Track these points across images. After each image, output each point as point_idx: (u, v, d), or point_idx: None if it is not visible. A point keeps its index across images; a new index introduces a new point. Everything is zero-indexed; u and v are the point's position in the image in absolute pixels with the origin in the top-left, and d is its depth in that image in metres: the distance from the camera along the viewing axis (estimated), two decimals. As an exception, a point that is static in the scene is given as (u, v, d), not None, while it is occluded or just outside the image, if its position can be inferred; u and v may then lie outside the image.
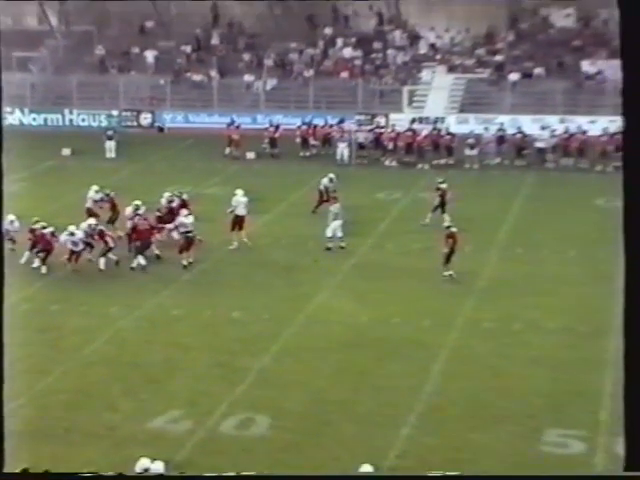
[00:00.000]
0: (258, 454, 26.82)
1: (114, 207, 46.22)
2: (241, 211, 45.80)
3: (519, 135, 66.77)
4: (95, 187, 46.42)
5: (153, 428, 28.02)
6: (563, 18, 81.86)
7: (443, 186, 50.09)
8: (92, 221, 42.54)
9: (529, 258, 44.51)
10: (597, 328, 36.50)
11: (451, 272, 41.34)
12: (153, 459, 22.85)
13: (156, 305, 38.51)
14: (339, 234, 45.30)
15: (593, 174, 61.69)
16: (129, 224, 43.68)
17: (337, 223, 45.21)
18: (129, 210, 44.22)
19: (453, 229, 41.83)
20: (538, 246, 46.36)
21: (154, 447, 24.48)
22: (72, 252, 41.24)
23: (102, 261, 41.89)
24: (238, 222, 45.39)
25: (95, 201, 46.23)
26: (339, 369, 33.08)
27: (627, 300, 10.16)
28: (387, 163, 64.02)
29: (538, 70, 76.55)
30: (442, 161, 64.04)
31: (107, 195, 46.51)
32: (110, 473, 18.75)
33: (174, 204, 45.65)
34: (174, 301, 38.77)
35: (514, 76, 76.14)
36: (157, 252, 43.21)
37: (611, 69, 75.35)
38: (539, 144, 65.66)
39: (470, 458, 26.88)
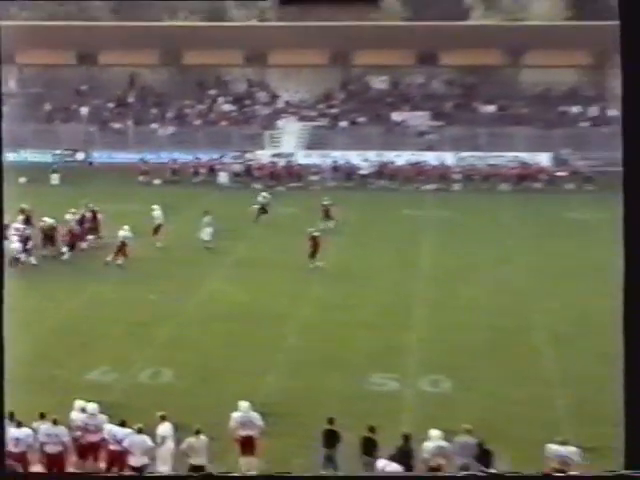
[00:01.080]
0: (165, 397, 26.82)
1: (94, 219, 45.83)
2: (158, 220, 46.07)
3: (348, 165, 67.78)
4: (73, 209, 45.66)
5: (89, 379, 27.89)
6: (379, 82, 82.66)
7: (326, 202, 50.56)
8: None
9: (361, 253, 44.92)
10: (404, 300, 37.05)
11: (318, 264, 41.58)
12: (88, 401, 22.82)
13: (95, 292, 38.33)
14: (206, 237, 45.40)
15: (400, 192, 62.38)
16: (66, 229, 43.45)
17: (209, 230, 45.34)
18: (68, 217, 44.07)
19: (316, 233, 42.21)
20: (367, 244, 46.82)
21: (91, 393, 24.31)
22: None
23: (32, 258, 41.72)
24: (156, 229, 45.45)
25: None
26: (224, 334, 33.21)
27: (627, 300, 8.30)
28: (255, 185, 64.16)
29: (361, 119, 77.17)
30: (293, 184, 64.34)
31: (91, 210, 46.02)
32: (110, 473, 18.09)
33: (90, 214, 45.51)
34: (108, 288, 38.63)
35: (344, 123, 76.73)
36: (109, 258, 42.53)
37: (412, 118, 76.67)
38: (362, 171, 66.51)
39: (318, 396, 27.13)
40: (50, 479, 10.50)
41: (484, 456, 21.65)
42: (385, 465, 20.70)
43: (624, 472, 8.24)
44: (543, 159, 70.60)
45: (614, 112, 78.10)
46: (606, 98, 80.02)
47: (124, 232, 42.47)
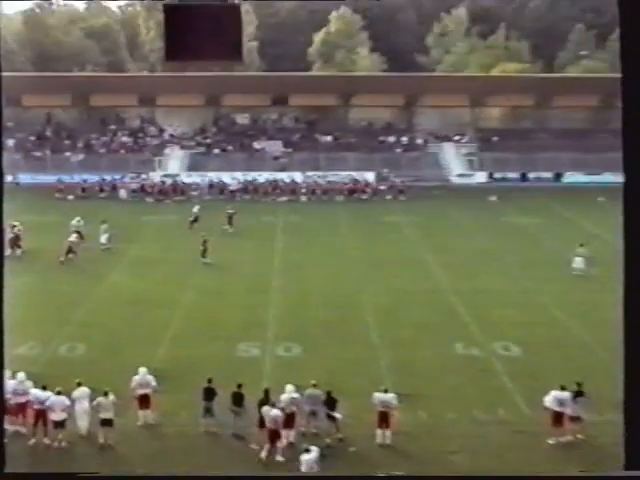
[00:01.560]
0: (80, 366, 26.42)
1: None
2: (80, 229, 45.43)
3: (221, 183, 67.51)
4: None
5: (19, 353, 27.23)
6: (243, 118, 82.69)
7: (230, 211, 50.33)
8: None
9: (230, 250, 44.80)
10: (264, 286, 37.14)
11: (207, 261, 41.24)
12: (15, 372, 22.39)
13: (22, 283, 37.35)
14: (104, 241, 44.83)
15: (260, 203, 62.45)
16: (11, 234, 41.94)
17: (106, 235, 44.91)
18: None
19: (207, 237, 42.06)
20: (236, 244, 46.73)
21: (19, 365, 23.79)
22: None
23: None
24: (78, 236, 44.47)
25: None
26: (125, 316, 32.81)
27: (627, 299, 7.48)
28: (148, 199, 63.41)
29: (229, 147, 76.97)
30: (178, 198, 63.75)
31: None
32: (110, 473, 17.37)
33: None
34: (32, 280, 37.43)
35: (216, 151, 76.40)
36: (62, 259, 41.35)
37: (269, 146, 76.95)
38: (231, 188, 66.27)
39: (199, 362, 27.05)
40: (50, 479, 9.52)
41: (331, 403, 21.99)
42: (269, 410, 20.97)
43: (624, 472, 7.50)
44: (369, 176, 71.55)
45: (420, 141, 79.97)
46: (413, 130, 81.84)
47: (72, 238, 42.28)
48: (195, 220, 50.88)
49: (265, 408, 21.07)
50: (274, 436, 20.72)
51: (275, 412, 20.81)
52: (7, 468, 6.63)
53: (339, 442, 21.53)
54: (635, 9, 6.97)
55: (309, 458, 19.06)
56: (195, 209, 52.17)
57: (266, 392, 21.87)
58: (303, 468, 18.85)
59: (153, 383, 22.93)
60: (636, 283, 7.34)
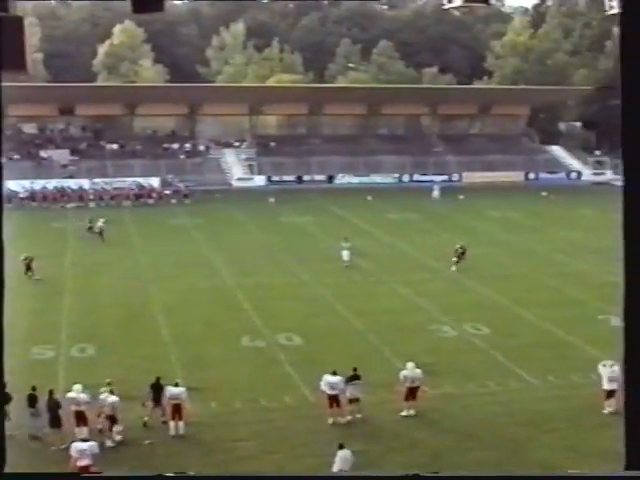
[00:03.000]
0: None
1: None
2: None
3: (9, 191, 64.10)
4: None
5: None
6: (30, 128, 79.88)
7: (100, 223, 48.48)
8: None
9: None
10: (57, 289, 35.83)
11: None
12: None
13: None
14: None
15: (49, 210, 60.15)
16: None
17: None
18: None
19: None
20: (32, 248, 44.80)
21: None
22: None
23: None
24: None
25: None
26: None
27: (627, 299, 7.03)
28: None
29: (16, 156, 73.44)
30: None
31: None
32: (110, 473, 16.23)
33: None
34: None
35: (3, 160, 72.73)
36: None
37: (56, 155, 74.44)
38: (20, 195, 63.34)
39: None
40: (50, 479, 9.00)
41: (157, 389, 21.79)
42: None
43: (624, 472, 7.26)
44: (154, 182, 70.75)
45: (202, 147, 79.91)
46: (196, 138, 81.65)
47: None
48: (90, 228, 48.98)
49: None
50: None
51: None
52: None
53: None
54: (635, 9, 6.85)
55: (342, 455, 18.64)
56: (100, 221, 49.33)
57: (50, 392, 21.41)
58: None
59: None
60: (636, 283, 7.13)
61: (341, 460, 18.45)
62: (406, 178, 79.34)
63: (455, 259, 40.05)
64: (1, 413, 7.33)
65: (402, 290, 36.59)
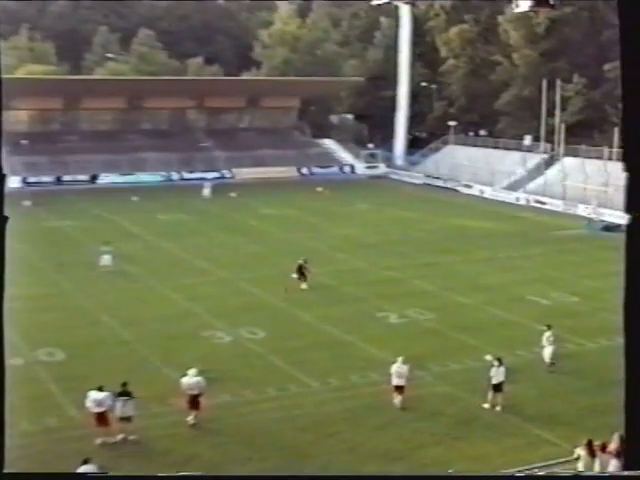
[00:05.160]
0: None
1: None
2: None
3: None
4: None
5: None
6: None
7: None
8: None
9: None
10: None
11: None
12: None
13: None
14: None
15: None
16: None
17: None
18: None
19: None
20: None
21: None
22: None
23: None
24: None
25: None
26: None
27: (627, 300, 7.40)
28: None
29: None
30: None
31: None
32: (110, 473, 16.08)
33: None
34: None
35: None
36: None
37: None
38: None
39: None
40: (50, 479, 9.11)
41: None
42: None
43: (624, 472, 7.59)
44: None
45: None
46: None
47: None
48: None
49: None
50: None
51: None
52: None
53: None
54: (635, 10, 6.99)
55: None
56: None
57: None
58: None
59: None
60: (636, 283, 7.45)
61: None
62: (175, 176, 78.89)
63: (295, 275, 37.46)
64: (1, 412, 7.48)
65: (173, 295, 36.34)
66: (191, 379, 22.70)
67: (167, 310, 34.20)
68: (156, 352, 28.56)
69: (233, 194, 68.29)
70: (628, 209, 7.80)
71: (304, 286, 37.25)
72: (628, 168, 7.68)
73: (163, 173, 78.67)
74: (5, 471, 7.45)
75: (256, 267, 42.07)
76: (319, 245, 47.69)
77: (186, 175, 79.18)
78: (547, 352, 27.26)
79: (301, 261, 37.92)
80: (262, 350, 29.03)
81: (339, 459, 20.55)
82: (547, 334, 27.47)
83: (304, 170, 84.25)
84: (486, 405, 23.97)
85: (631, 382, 7.65)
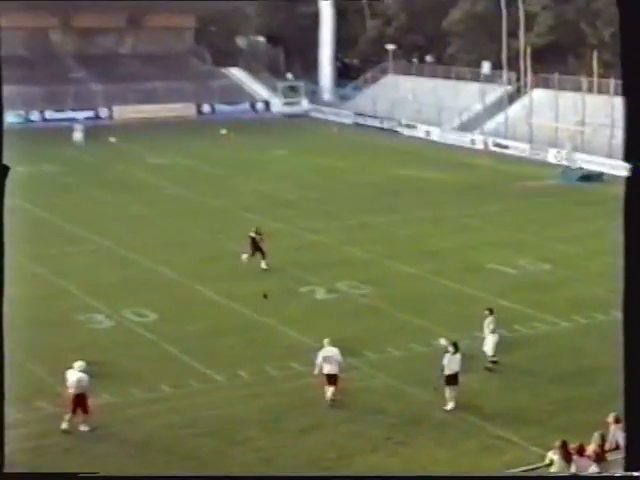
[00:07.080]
0: None
1: None
2: None
3: None
4: None
5: None
6: None
7: None
8: None
9: None
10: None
11: None
12: None
13: None
14: None
15: None
16: None
17: None
18: None
19: None
20: None
21: None
22: None
23: None
24: None
25: None
26: None
27: (627, 296, 7.89)
28: None
29: None
30: None
31: None
32: (110, 473, 17.02)
33: None
34: None
35: None
36: None
37: None
38: None
39: None
40: (50, 479, 10.25)
41: None
42: None
43: (624, 472, 8.52)
44: None
45: None
46: None
47: None
48: None
49: None
50: None
51: None
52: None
53: None
54: (635, 10, 7.62)
55: None
56: None
57: None
58: None
59: None
60: (636, 282, 7.94)
61: None
62: (36, 116, 77.58)
63: (246, 255, 36.45)
64: (0, 412, 8.19)
65: (36, 269, 35.93)
66: (73, 375, 22.51)
67: (28, 288, 33.61)
68: (17, 342, 28.17)
69: (113, 139, 67.49)
70: (627, 156, 8.02)
71: (264, 265, 36.18)
72: (629, 104, 7.97)
73: (20, 112, 77.15)
74: (5, 471, 8.38)
75: (144, 232, 41.79)
76: (224, 203, 47.54)
77: (51, 115, 78.01)
78: (489, 343, 26.66)
79: (252, 233, 36.60)
80: (153, 336, 28.93)
81: (251, 471, 20.56)
82: (488, 320, 26.99)
83: (205, 107, 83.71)
84: (448, 407, 23.74)
85: (631, 381, 8.27)
